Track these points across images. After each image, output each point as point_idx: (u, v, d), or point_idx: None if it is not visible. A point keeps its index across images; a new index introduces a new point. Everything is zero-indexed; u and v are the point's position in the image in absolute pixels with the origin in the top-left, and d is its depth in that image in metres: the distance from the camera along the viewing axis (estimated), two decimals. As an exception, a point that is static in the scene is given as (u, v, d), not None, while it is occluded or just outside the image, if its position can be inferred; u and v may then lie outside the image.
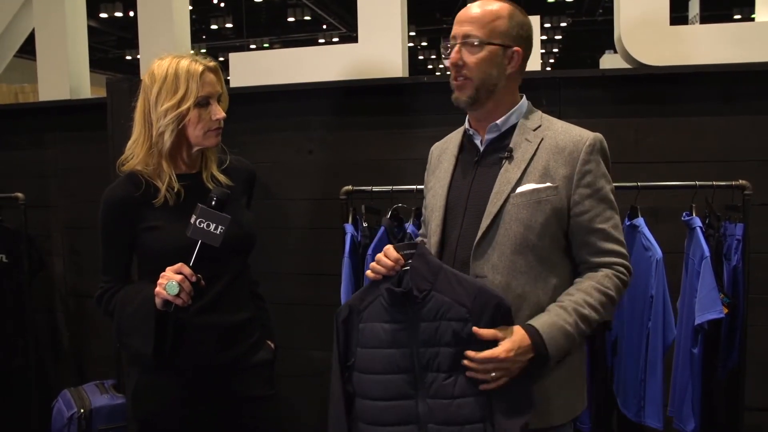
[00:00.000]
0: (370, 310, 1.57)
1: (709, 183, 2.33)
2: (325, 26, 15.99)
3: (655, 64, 2.65)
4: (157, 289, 1.63)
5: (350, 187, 2.59)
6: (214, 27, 15.27)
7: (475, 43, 1.58)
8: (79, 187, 3.32)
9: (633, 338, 2.35)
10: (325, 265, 2.85)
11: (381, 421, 1.55)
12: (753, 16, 6.20)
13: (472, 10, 1.61)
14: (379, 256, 1.57)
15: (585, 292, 1.54)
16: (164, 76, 1.72)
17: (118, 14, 13.67)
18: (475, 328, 1.47)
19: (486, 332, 1.46)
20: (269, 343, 1.96)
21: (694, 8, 5.94)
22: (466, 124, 1.72)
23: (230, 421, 1.85)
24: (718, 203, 2.41)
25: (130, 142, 1.80)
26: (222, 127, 1.80)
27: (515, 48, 1.61)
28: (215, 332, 1.79)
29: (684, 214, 2.35)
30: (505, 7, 1.61)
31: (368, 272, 1.59)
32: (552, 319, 1.51)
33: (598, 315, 1.54)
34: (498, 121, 1.65)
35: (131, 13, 14.01)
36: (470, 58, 1.58)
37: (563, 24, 16.01)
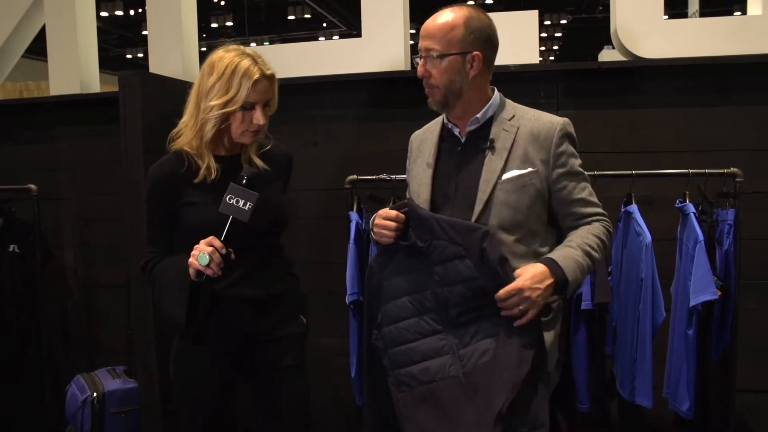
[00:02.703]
0: (389, 270, 1.75)
1: (702, 171, 2.42)
2: (325, 24, 16.04)
3: (650, 57, 2.74)
4: (190, 260, 1.74)
5: (355, 176, 2.67)
6: (214, 25, 15.31)
7: (435, 56, 1.73)
8: (89, 181, 3.39)
9: (627, 321, 2.43)
10: (331, 253, 2.93)
11: (416, 360, 1.72)
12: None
13: (431, 24, 1.75)
14: (379, 220, 1.74)
15: (582, 236, 1.74)
16: (222, 73, 1.79)
17: (119, 13, 13.74)
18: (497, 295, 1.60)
19: (504, 291, 1.59)
20: (302, 317, 2.05)
21: (693, 5, 6.01)
22: (444, 118, 1.87)
23: (261, 389, 1.96)
24: (710, 191, 2.49)
25: (182, 121, 1.90)
26: (260, 130, 1.88)
27: (474, 53, 1.73)
28: (250, 303, 1.90)
29: (678, 201, 2.43)
30: (460, 16, 1.73)
31: (376, 238, 1.76)
32: (562, 251, 1.69)
33: (598, 254, 1.72)
34: (478, 115, 1.80)
35: (132, 12, 14.09)
36: (433, 70, 1.75)
37: (563, 21, 16.06)
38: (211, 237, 1.74)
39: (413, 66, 3.07)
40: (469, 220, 1.72)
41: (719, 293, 2.32)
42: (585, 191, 1.79)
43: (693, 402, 2.38)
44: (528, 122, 1.78)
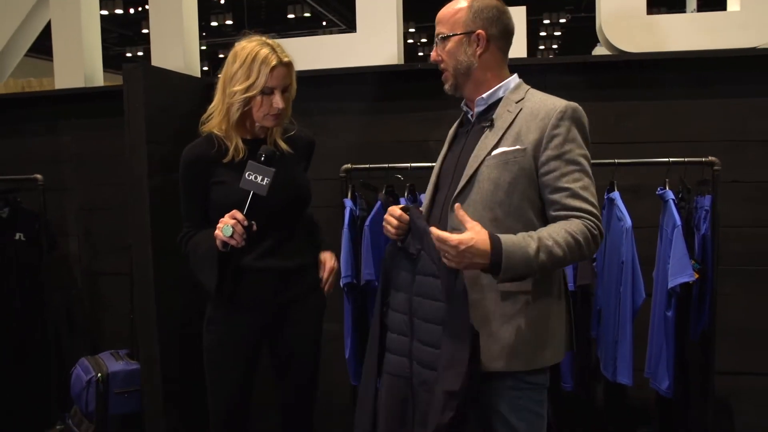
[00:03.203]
0: (396, 260, 1.83)
1: (681, 159, 2.52)
2: (324, 23, 16.11)
3: (633, 51, 2.83)
4: (216, 232, 1.92)
5: (349, 165, 2.78)
6: (214, 24, 15.38)
7: (442, 38, 1.81)
8: (93, 172, 3.49)
9: (610, 304, 2.53)
10: (326, 240, 3.02)
11: (391, 350, 1.82)
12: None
13: (442, 11, 1.84)
14: (387, 216, 1.80)
15: (552, 230, 1.62)
16: (243, 60, 1.98)
17: (119, 11, 13.80)
18: (434, 230, 1.57)
19: (443, 235, 1.55)
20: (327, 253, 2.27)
21: (691, 4, 6.09)
22: (462, 102, 1.90)
23: (282, 356, 2.18)
24: (691, 180, 2.59)
25: (211, 106, 2.09)
26: (281, 114, 2.05)
27: (478, 31, 1.77)
28: (276, 274, 2.09)
29: (659, 188, 2.54)
30: (467, 0, 1.80)
31: (384, 230, 1.83)
32: (518, 239, 1.59)
33: (562, 252, 1.58)
34: (484, 95, 1.81)
35: (132, 10, 14.15)
36: (443, 52, 1.81)
37: (562, 20, 16.13)
38: (234, 210, 1.92)
39: (407, 60, 3.19)
40: (454, 195, 1.74)
41: (696, 276, 2.42)
42: (577, 183, 1.66)
43: (672, 381, 2.48)
44: (532, 104, 1.74)
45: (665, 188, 2.51)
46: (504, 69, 1.84)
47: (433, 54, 1.84)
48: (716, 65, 2.76)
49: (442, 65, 1.82)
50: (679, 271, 2.36)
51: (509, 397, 1.72)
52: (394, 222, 1.77)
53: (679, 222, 2.39)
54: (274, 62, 1.97)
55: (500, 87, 1.81)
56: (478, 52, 1.78)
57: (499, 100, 1.80)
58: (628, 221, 2.43)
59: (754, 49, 2.74)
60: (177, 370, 2.79)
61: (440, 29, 1.81)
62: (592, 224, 1.64)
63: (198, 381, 2.23)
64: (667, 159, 2.52)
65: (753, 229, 2.78)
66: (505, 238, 1.58)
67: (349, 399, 2.92)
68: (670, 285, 2.38)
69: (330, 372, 3.10)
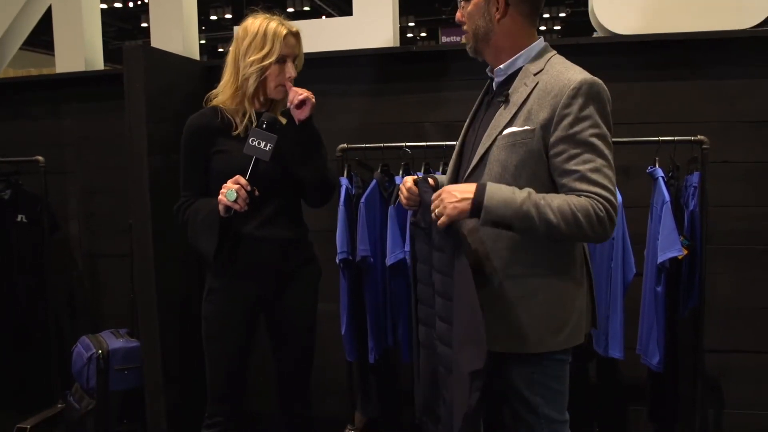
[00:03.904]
0: (417, 231, 1.84)
1: (671, 138, 2.56)
2: (323, 17, 16.14)
3: (624, 33, 2.87)
4: (219, 197, 1.96)
5: (345, 144, 2.83)
6: (213, 18, 15.42)
7: (464, 1, 1.77)
8: (94, 155, 3.53)
9: (601, 280, 2.57)
10: (322, 221, 3.05)
11: (421, 320, 1.84)
12: None
13: None
14: (402, 186, 1.81)
15: (551, 196, 1.57)
16: (255, 33, 2.08)
17: (118, 5, 13.84)
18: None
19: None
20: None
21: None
22: (488, 68, 1.81)
23: (280, 325, 2.24)
24: (680, 159, 2.63)
25: (221, 83, 2.16)
26: (292, 84, 2.10)
27: None
28: (275, 243, 2.15)
29: (649, 167, 2.58)
30: None
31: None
32: (506, 187, 1.58)
33: (554, 217, 1.52)
34: (502, 66, 1.73)
35: (131, 4, 14.18)
36: (464, 15, 1.76)
37: (562, 14, 16.17)
38: (237, 176, 1.97)
39: (402, 43, 3.23)
40: (466, 174, 1.73)
41: (685, 252, 2.47)
42: (586, 165, 1.55)
43: (663, 356, 2.52)
44: (549, 77, 1.63)
45: (655, 166, 2.56)
46: (528, 36, 1.72)
47: (457, 15, 1.78)
48: (706, 47, 2.80)
49: (464, 27, 1.77)
50: (668, 246, 2.40)
51: (524, 373, 1.70)
52: (406, 193, 1.78)
53: (668, 198, 2.43)
54: (284, 31, 2.08)
55: (520, 56, 1.71)
56: (497, 17, 1.69)
57: (518, 70, 1.70)
58: (618, 197, 2.46)
59: (744, 30, 2.77)
60: (177, 348, 2.84)
61: None
62: (599, 205, 1.54)
63: (198, 358, 2.27)
64: (656, 138, 2.55)
65: (742, 209, 2.82)
66: (491, 183, 1.59)
67: (343, 376, 2.97)
68: (660, 260, 2.42)
69: (325, 349, 3.16)
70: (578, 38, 3.24)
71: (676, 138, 2.55)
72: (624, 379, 2.97)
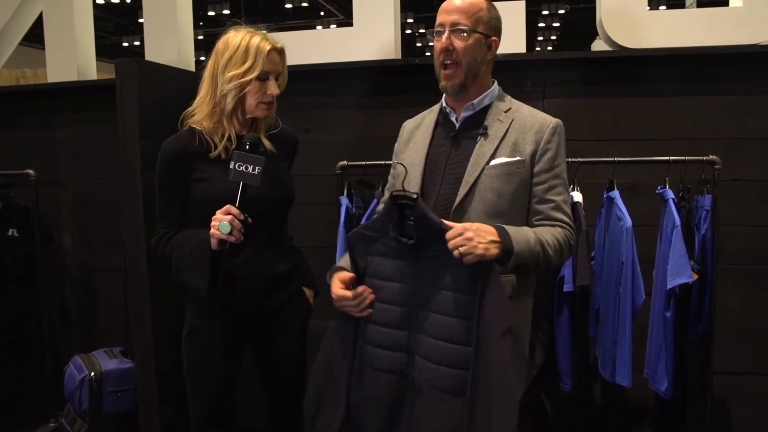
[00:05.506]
0: (378, 246, 1.74)
1: (682, 158, 2.49)
2: (322, 13, 16.03)
3: (634, 47, 2.80)
4: (212, 230, 1.81)
5: (345, 162, 2.74)
6: (211, 13, 15.29)
7: (465, 31, 1.75)
8: (87, 166, 3.45)
9: (609, 304, 2.50)
10: (321, 238, 2.99)
11: (380, 345, 1.74)
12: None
13: (457, 1, 1.78)
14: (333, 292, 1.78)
15: (542, 230, 1.74)
16: (236, 47, 1.93)
17: (115, 0, 13.71)
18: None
19: (453, 229, 1.59)
20: (310, 290, 2.19)
21: (690, -1, 6.07)
22: (443, 103, 1.90)
23: (269, 362, 2.11)
24: (690, 178, 2.56)
25: (197, 99, 2.01)
26: (274, 103, 2.01)
27: (493, 38, 1.82)
28: (261, 279, 2.00)
29: (658, 187, 2.51)
30: (483, 0, 1.80)
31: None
32: (516, 228, 1.67)
33: (552, 251, 1.70)
34: (474, 101, 1.84)
35: (128, 0, 14.06)
36: (460, 45, 1.76)
37: (561, 11, 16.05)
38: (227, 206, 1.82)
39: (404, 55, 3.15)
40: (454, 202, 1.74)
41: (696, 277, 2.40)
42: (560, 196, 1.79)
43: (671, 382, 2.46)
44: (523, 116, 1.82)
45: (665, 187, 2.48)
46: (490, 75, 1.89)
47: (445, 41, 1.76)
48: (717, 62, 2.73)
49: (454, 55, 1.76)
50: (678, 272, 2.33)
51: None
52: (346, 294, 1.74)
53: (678, 222, 2.36)
54: (268, 47, 1.95)
55: (487, 94, 1.85)
56: (488, 58, 1.82)
57: (486, 106, 1.84)
58: (629, 221, 2.40)
59: (755, 45, 2.71)
60: (171, 368, 2.76)
61: (460, 20, 1.76)
62: (571, 233, 1.79)
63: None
64: (667, 158, 2.48)
65: (753, 228, 2.76)
66: (507, 227, 1.65)
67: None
68: (669, 286, 2.35)
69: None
70: (586, 51, 3.17)
71: (687, 158, 2.48)
72: (630, 402, 2.90)
